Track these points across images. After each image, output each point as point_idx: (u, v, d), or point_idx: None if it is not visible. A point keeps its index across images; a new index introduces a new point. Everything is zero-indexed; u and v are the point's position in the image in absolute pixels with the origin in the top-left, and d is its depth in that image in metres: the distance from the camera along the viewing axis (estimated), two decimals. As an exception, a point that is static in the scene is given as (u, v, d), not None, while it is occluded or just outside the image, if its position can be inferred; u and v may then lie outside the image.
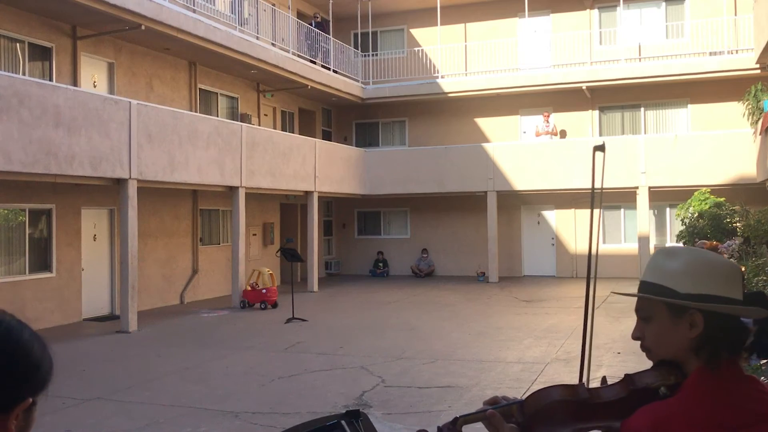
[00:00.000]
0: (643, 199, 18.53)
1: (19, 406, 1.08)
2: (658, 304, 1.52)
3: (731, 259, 10.16)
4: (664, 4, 20.58)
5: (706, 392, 1.44)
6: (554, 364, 8.84)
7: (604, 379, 1.59)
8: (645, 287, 1.56)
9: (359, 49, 22.86)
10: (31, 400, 1.10)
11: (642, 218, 18.60)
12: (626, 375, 1.52)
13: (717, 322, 1.48)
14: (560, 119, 21.25)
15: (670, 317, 1.51)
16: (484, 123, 22.13)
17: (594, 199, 1.63)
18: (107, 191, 13.67)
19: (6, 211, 12.29)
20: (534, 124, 21.15)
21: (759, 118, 15.83)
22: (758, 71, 16.78)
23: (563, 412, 1.47)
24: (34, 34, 12.76)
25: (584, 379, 1.67)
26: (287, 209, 21.02)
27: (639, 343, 1.57)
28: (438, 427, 1.47)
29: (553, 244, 21.25)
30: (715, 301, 1.49)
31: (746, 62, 17.72)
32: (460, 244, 21.96)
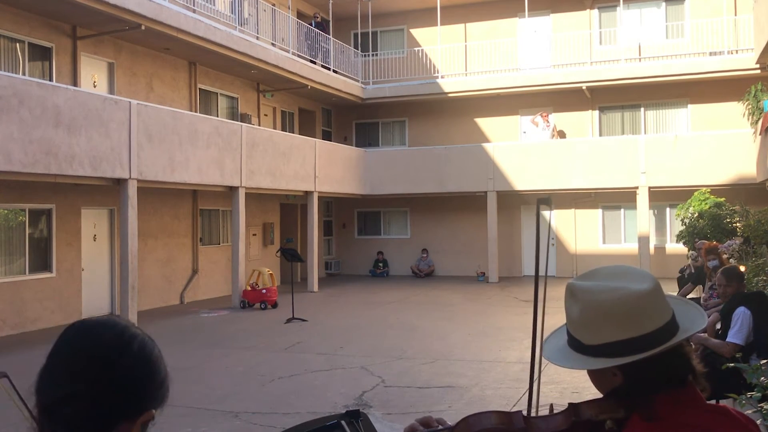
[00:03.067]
0: (643, 199, 18.53)
1: (143, 415, 1.15)
2: None
3: (730, 260, 10.16)
4: (664, 4, 20.58)
5: None
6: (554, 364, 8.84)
7: (551, 408, 1.49)
8: (568, 333, 1.48)
9: (359, 49, 22.86)
10: (153, 412, 1.17)
11: (642, 218, 18.60)
12: (570, 404, 1.41)
13: (635, 366, 1.36)
14: (560, 119, 21.25)
15: None
16: (484, 123, 22.13)
17: (539, 247, 1.61)
18: (107, 191, 13.67)
19: (6, 211, 12.29)
20: (532, 123, 21.15)
21: (759, 118, 15.83)
22: (758, 71, 16.78)
23: None
24: (34, 34, 12.76)
25: (533, 405, 1.57)
26: (287, 209, 21.02)
27: None
28: None
29: (553, 244, 21.24)
30: (621, 348, 1.35)
31: (746, 62, 17.72)
32: (460, 244, 21.96)
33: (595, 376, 1.44)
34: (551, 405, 1.51)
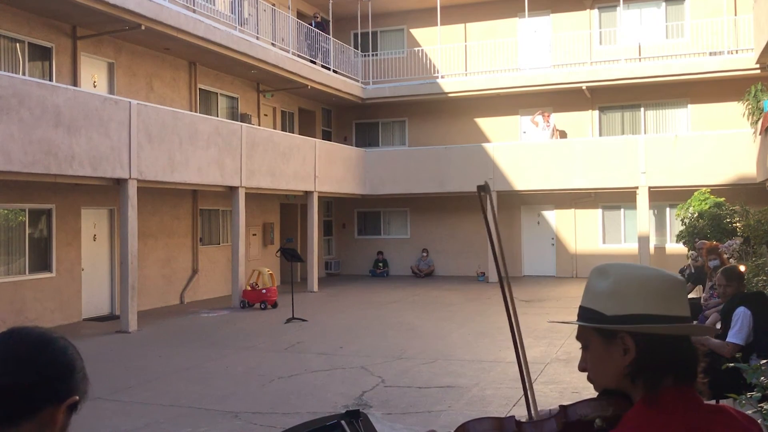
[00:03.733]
0: (643, 199, 18.53)
1: (69, 399, 1.36)
2: (590, 331, 1.42)
3: (731, 260, 10.17)
4: (664, 4, 20.58)
5: (638, 429, 1.31)
6: (554, 364, 8.84)
7: (549, 413, 1.50)
8: (581, 312, 1.46)
9: (359, 49, 22.86)
10: (77, 397, 1.38)
11: (642, 218, 18.60)
12: (560, 407, 1.43)
13: (651, 344, 1.35)
14: (560, 119, 21.25)
15: (603, 344, 1.40)
16: (484, 123, 22.13)
17: (491, 234, 1.67)
18: (107, 191, 13.67)
19: (6, 211, 12.29)
20: (532, 122, 21.15)
21: (759, 118, 15.82)
22: (758, 71, 16.78)
23: None
24: (34, 34, 12.76)
25: (531, 410, 1.61)
26: (287, 209, 21.02)
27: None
28: None
29: (553, 244, 21.25)
30: (645, 321, 1.35)
31: (746, 62, 17.72)
32: (460, 244, 21.96)
33: (603, 357, 1.42)
34: (549, 411, 1.51)
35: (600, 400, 1.40)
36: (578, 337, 1.48)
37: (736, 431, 1.35)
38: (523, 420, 1.47)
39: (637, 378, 1.36)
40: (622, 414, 1.37)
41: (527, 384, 1.61)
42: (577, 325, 1.48)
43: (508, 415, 1.46)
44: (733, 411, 1.41)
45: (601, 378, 1.44)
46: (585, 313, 1.45)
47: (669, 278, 1.41)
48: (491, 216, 1.67)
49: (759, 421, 3.59)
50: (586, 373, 1.48)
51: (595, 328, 1.41)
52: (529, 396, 1.61)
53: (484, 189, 1.68)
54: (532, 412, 1.58)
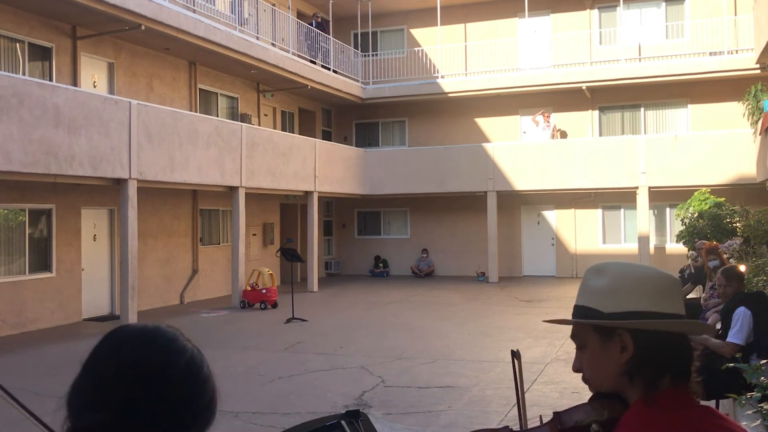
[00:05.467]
0: (643, 199, 18.53)
1: None
2: (587, 329, 1.41)
3: (731, 260, 10.17)
4: (664, 4, 20.58)
5: (640, 429, 1.31)
6: (554, 364, 8.84)
7: (541, 420, 1.49)
8: (576, 311, 1.45)
9: (359, 49, 22.86)
10: None
11: (642, 218, 18.60)
12: (555, 413, 1.41)
13: (649, 341, 1.35)
14: (560, 119, 21.25)
15: (600, 342, 1.39)
16: (484, 123, 22.13)
17: (519, 399, 1.69)
18: (107, 191, 13.67)
19: (6, 211, 12.29)
20: (533, 121, 21.16)
21: (759, 118, 15.82)
22: (758, 71, 16.77)
23: None
24: (34, 34, 12.76)
25: (523, 418, 1.63)
26: (287, 209, 21.02)
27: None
28: None
29: (553, 244, 21.25)
30: (642, 318, 1.35)
31: (746, 62, 17.72)
32: (460, 244, 21.96)
33: (600, 356, 1.40)
34: (540, 416, 1.51)
35: (594, 404, 1.39)
36: (573, 337, 1.46)
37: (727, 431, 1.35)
38: (517, 429, 1.47)
39: (636, 376, 1.36)
40: (618, 417, 1.35)
41: (520, 396, 1.62)
42: (573, 325, 1.46)
43: (502, 425, 1.46)
44: (718, 412, 1.40)
45: (598, 377, 1.42)
46: (581, 312, 1.44)
47: (665, 276, 1.42)
48: (520, 381, 1.71)
49: (759, 421, 3.59)
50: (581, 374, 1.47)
51: (593, 327, 1.40)
52: (522, 408, 1.62)
53: (515, 356, 1.73)
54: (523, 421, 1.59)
